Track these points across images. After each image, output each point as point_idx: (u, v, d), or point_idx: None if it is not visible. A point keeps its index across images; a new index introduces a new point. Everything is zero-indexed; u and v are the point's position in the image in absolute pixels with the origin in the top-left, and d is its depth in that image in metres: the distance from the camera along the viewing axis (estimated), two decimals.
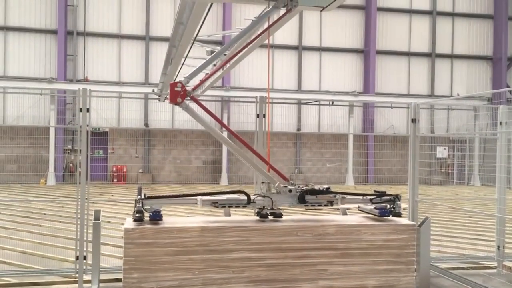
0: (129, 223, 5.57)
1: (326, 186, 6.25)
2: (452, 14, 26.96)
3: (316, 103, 24.48)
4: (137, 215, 5.47)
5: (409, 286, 6.02)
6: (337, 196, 6.19)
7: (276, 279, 5.70)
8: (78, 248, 6.53)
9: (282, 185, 6.05)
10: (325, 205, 6.14)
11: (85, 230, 6.58)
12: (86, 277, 6.38)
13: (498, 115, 7.43)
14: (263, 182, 6.21)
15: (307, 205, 6.06)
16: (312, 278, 5.79)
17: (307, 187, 6.10)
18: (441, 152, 24.51)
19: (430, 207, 12.33)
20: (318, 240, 5.82)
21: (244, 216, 6.05)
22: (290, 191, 6.03)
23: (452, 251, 8.77)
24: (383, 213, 6.07)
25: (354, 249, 5.90)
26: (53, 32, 22.56)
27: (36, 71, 22.47)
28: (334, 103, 24.08)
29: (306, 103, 24.62)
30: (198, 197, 5.87)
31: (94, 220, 5.95)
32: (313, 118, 25.04)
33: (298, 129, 24.60)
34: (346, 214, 6.27)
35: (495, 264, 7.49)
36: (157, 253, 5.42)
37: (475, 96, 24.81)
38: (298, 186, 6.09)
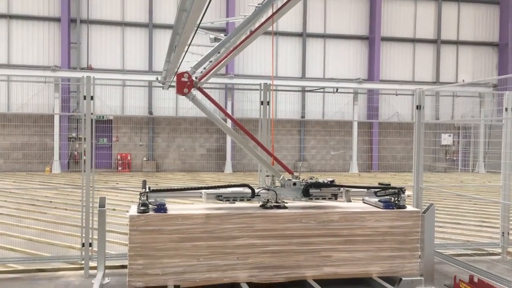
0: (134, 210, 5.60)
1: (330, 179, 6.28)
2: (458, 0, 26.68)
3: (320, 90, 24.38)
4: (142, 208, 5.51)
5: (413, 273, 6.05)
6: (342, 189, 6.22)
7: (280, 266, 5.74)
8: (83, 235, 6.58)
9: (286, 178, 6.07)
10: (329, 198, 6.21)
11: (91, 218, 6.62)
12: (92, 263, 6.43)
13: (504, 101, 7.38)
14: (267, 176, 6.23)
15: (311, 198, 6.10)
16: (316, 265, 5.82)
17: (311, 180, 6.12)
18: (446, 139, 24.42)
19: (434, 194, 12.33)
20: (322, 227, 5.84)
21: (249, 204, 6.07)
22: (294, 184, 6.06)
23: (456, 238, 8.77)
24: (387, 206, 6.10)
25: (358, 235, 5.93)
26: (57, 20, 22.48)
27: (40, 59, 22.44)
28: (338, 90, 23.96)
29: (310, 91, 24.52)
30: (203, 191, 5.91)
31: (99, 208, 5.98)
32: (317, 105, 24.95)
33: (302, 117, 24.55)
34: (351, 201, 6.28)
35: (500, 250, 7.50)
36: (162, 240, 5.46)
37: (480, 82, 24.63)
38: (303, 180, 6.11)
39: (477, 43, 26.90)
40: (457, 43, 26.78)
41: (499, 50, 26.90)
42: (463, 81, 25.42)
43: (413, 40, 26.29)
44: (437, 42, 26.46)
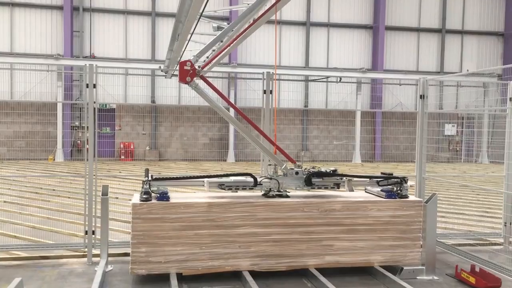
0: (137, 198, 5.62)
1: (332, 168, 6.27)
2: None
3: (323, 79, 24.28)
4: (144, 196, 5.53)
5: (414, 262, 6.06)
6: (344, 178, 6.21)
7: (282, 254, 5.76)
8: (86, 223, 6.61)
9: (289, 168, 6.07)
10: (332, 188, 6.20)
11: (94, 206, 6.64)
12: (95, 251, 6.47)
13: (508, 91, 7.35)
14: (270, 165, 6.23)
15: (314, 188, 6.10)
16: (318, 254, 5.84)
17: (313, 170, 6.12)
18: (450, 129, 24.32)
19: (437, 184, 12.32)
20: (325, 216, 5.85)
21: (251, 192, 6.08)
22: (296, 173, 6.06)
23: (458, 228, 8.77)
24: (389, 196, 6.09)
25: (360, 225, 5.93)
26: (59, 8, 22.41)
27: (43, 47, 22.41)
28: (341, 80, 23.86)
29: (313, 80, 24.43)
30: (205, 179, 5.92)
31: (102, 196, 6.01)
32: (320, 94, 24.88)
33: (305, 106, 24.48)
34: (353, 191, 6.28)
35: (502, 240, 7.50)
36: (164, 228, 5.48)
37: (485, 72, 24.47)
38: (305, 169, 6.11)
39: (482, 32, 26.69)
40: (462, 32, 26.58)
41: (504, 39, 26.70)
42: (468, 70, 25.25)
43: (418, 30, 26.11)
44: (441, 31, 26.27)
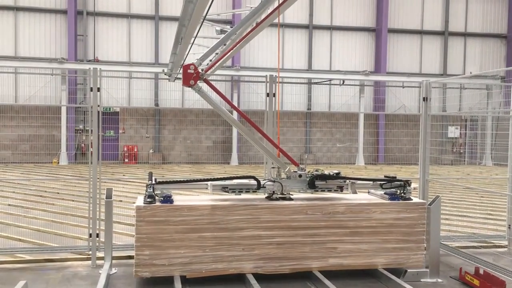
0: (141, 201, 5.64)
1: (336, 171, 6.28)
2: None
3: (326, 82, 24.30)
4: (148, 199, 5.55)
5: (418, 265, 6.06)
6: (347, 181, 6.22)
7: (286, 257, 5.76)
8: (91, 226, 6.63)
9: (292, 170, 6.08)
10: (335, 190, 6.21)
11: (98, 209, 6.67)
12: (99, 254, 6.49)
13: None
14: (273, 167, 6.25)
15: (317, 190, 6.11)
16: (321, 256, 5.84)
17: (317, 172, 6.13)
18: (453, 131, 24.28)
19: (440, 186, 12.30)
20: (328, 218, 5.86)
21: (254, 195, 6.08)
22: (300, 176, 6.06)
23: (462, 230, 8.76)
24: (393, 198, 6.10)
25: (364, 227, 5.94)
26: (63, 12, 22.51)
27: (47, 51, 22.49)
28: (345, 83, 23.88)
29: (316, 83, 24.44)
30: (209, 182, 5.94)
31: (106, 199, 6.03)
32: (323, 97, 24.89)
33: (309, 109, 24.48)
34: (356, 193, 6.28)
35: (506, 243, 7.48)
36: (168, 231, 5.49)
37: (488, 74, 24.44)
38: (308, 172, 6.12)
39: (485, 34, 26.66)
40: (465, 35, 26.55)
41: (508, 42, 26.65)
42: (471, 73, 25.24)
43: (421, 32, 26.09)
44: (444, 34, 26.25)
